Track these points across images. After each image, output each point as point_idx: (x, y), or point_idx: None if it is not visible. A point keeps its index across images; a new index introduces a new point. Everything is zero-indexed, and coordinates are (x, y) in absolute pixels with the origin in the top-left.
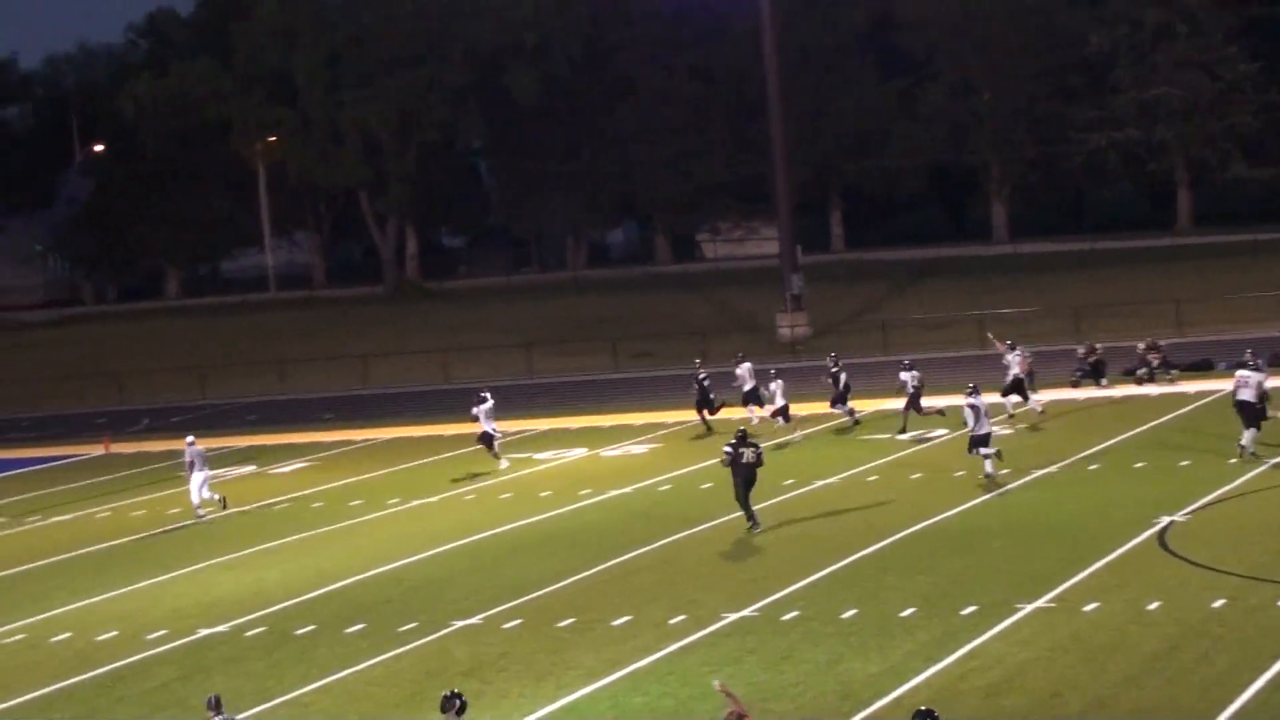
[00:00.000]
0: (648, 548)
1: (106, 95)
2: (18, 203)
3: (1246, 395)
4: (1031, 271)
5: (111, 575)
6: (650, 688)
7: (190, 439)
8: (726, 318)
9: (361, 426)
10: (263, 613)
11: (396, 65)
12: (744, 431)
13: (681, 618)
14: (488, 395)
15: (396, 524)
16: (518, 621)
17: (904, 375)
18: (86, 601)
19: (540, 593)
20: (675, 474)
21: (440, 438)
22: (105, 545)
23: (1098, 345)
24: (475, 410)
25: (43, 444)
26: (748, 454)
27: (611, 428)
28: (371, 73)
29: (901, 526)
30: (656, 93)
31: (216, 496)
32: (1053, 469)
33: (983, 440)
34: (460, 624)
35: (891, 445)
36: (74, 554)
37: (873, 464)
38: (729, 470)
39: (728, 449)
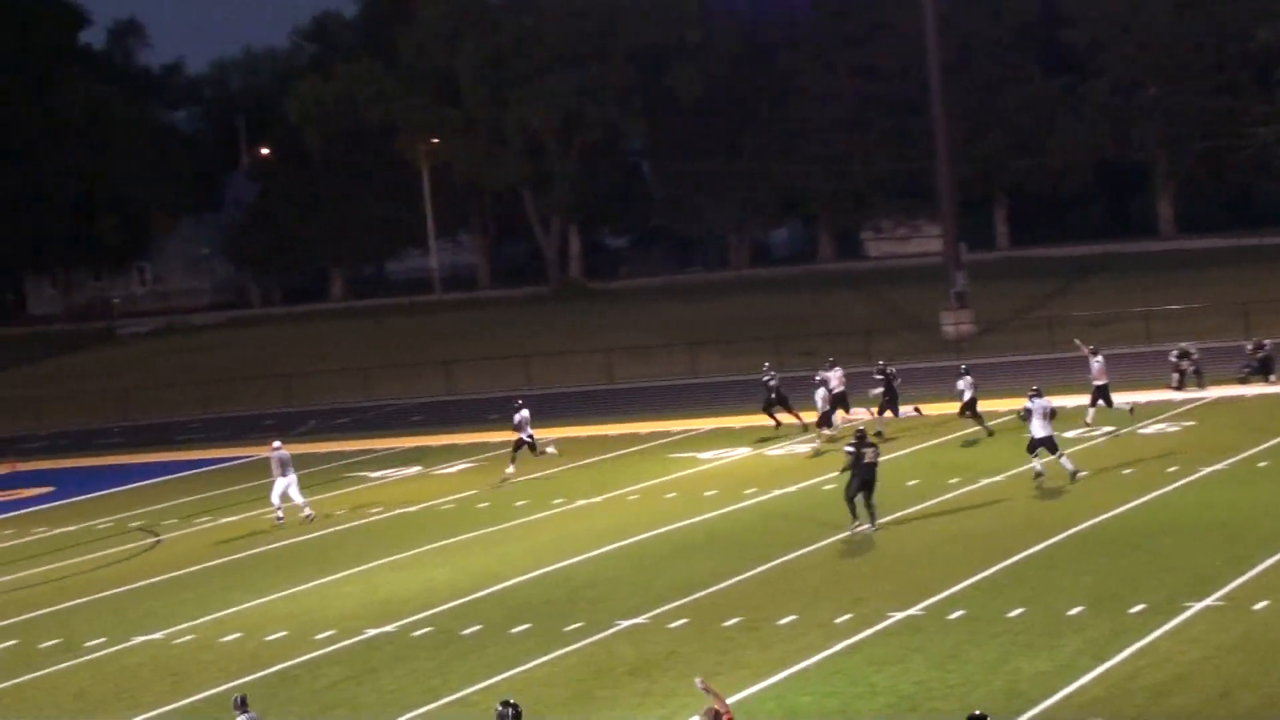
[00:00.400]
0: (813, 547)
1: (272, 99)
2: (186, 206)
3: None
4: (1198, 267)
5: (280, 576)
6: (816, 687)
7: (277, 444)
8: (890, 316)
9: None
10: (430, 612)
11: (560, 65)
12: (863, 432)
13: (847, 617)
14: (522, 403)
15: (561, 524)
16: (683, 621)
17: (960, 383)
18: (256, 602)
19: (705, 592)
20: (839, 474)
21: (604, 438)
22: (274, 546)
23: (1265, 341)
24: (516, 419)
25: (212, 446)
26: (868, 454)
27: (775, 426)
28: (535, 73)
29: (1068, 525)
30: (819, 90)
31: (303, 502)
32: (1220, 466)
33: (1045, 442)
34: (626, 624)
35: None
36: (243, 555)
37: (1039, 462)
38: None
39: (849, 448)
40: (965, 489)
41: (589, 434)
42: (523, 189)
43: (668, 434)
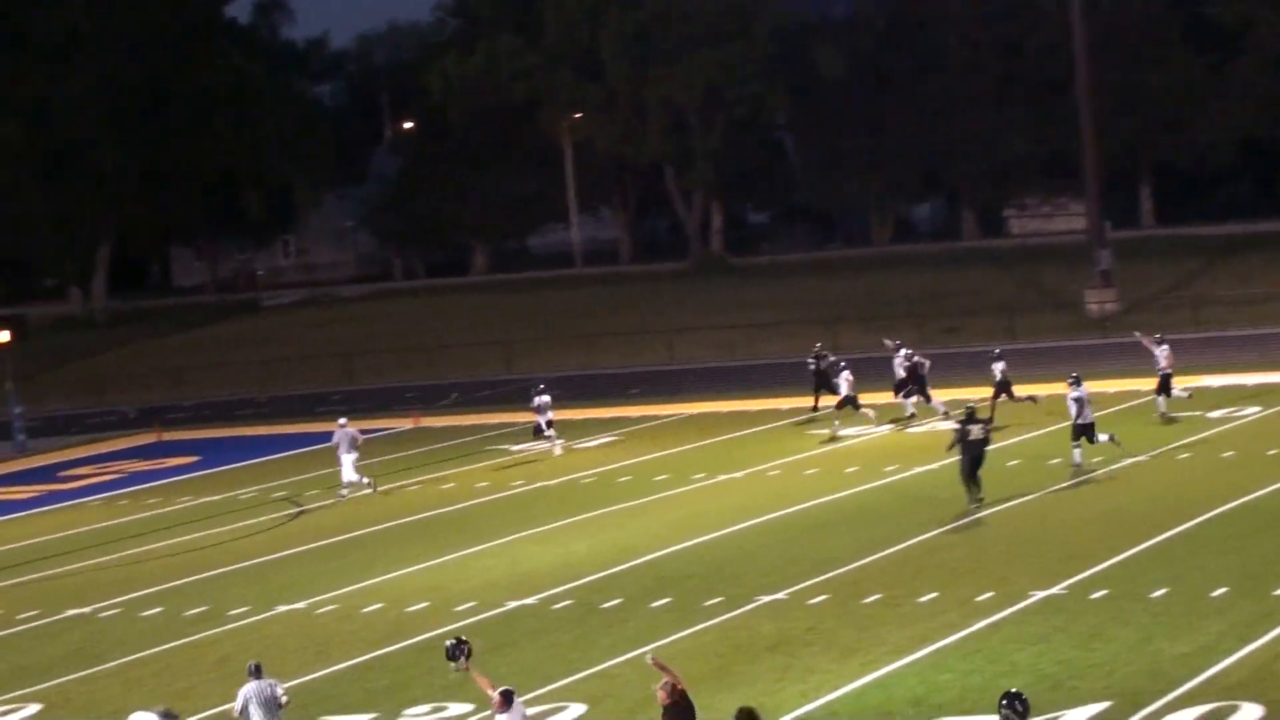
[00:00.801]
0: (954, 524)
1: (415, 73)
2: (330, 180)
3: None
4: None
5: (421, 548)
6: (957, 665)
7: (342, 421)
8: (1034, 294)
9: (666, 402)
10: (570, 585)
11: (703, 41)
12: (972, 409)
13: (989, 595)
14: (544, 387)
15: (702, 499)
16: (824, 597)
17: (995, 366)
18: (397, 573)
19: (846, 568)
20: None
21: (746, 413)
22: (415, 518)
23: None
24: (536, 401)
25: (355, 418)
26: (975, 431)
27: (917, 403)
28: (678, 49)
29: (1212, 505)
30: (962, 67)
31: (365, 480)
32: None
33: (1086, 430)
34: (766, 599)
35: (1201, 423)
36: (384, 527)
37: (1183, 441)
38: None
39: (956, 426)
40: (1108, 468)
41: (729, 409)
42: (665, 164)
43: (808, 410)
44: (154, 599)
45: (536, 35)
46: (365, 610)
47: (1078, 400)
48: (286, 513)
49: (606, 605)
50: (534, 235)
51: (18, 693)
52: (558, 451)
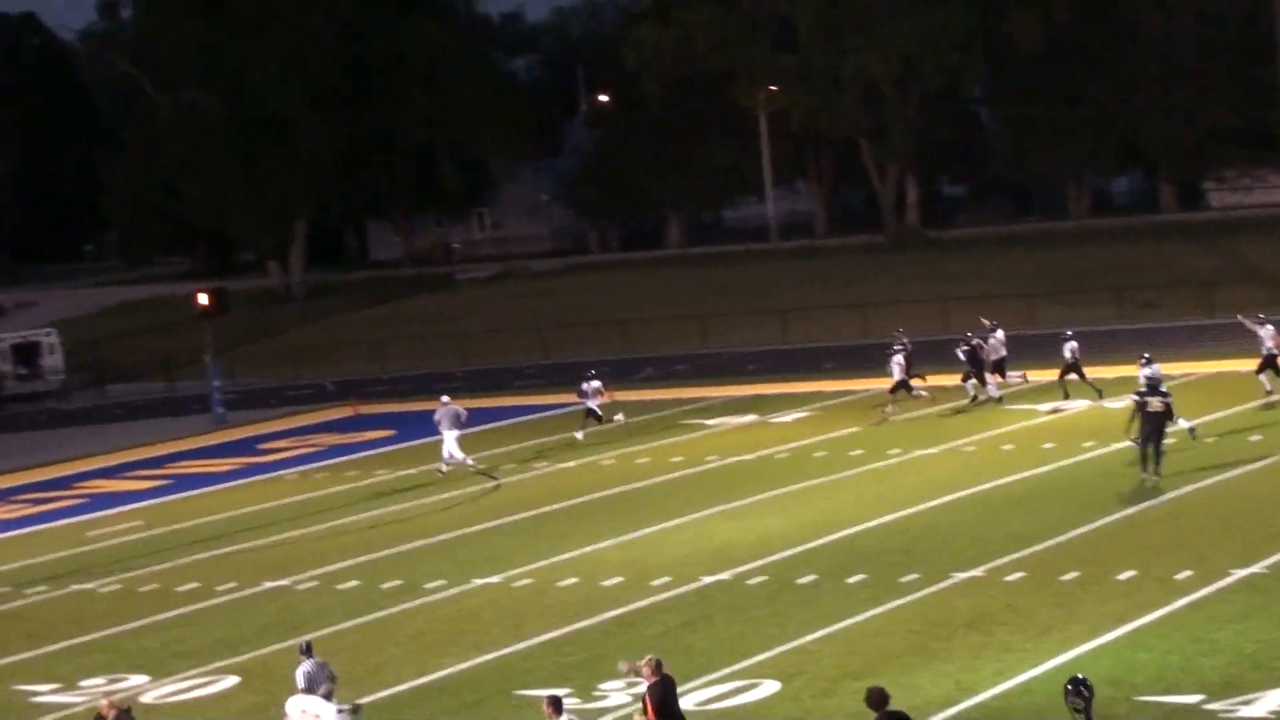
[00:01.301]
0: (1153, 501)
1: (611, 46)
2: (525, 153)
3: None
4: None
5: (616, 522)
6: (1155, 644)
7: (445, 399)
8: (1234, 268)
9: (862, 376)
10: (765, 561)
11: (899, 12)
12: (1156, 380)
13: (1188, 573)
14: (594, 373)
15: (897, 474)
16: (1020, 574)
17: (1066, 346)
18: (592, 547)
19: (1043, 545)
20: (1179, 427)
21: (941, 388)
22: (610, 492)
23: None
24: (584, 387)
25: (549, 391)
26: (1154, 403)
27: (1114, 379)
28: (873, 20)
29: None
30: (1160, 37)
31: (470, 460)
32: None
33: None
34: (962, 576)
35: None
36: (579, 500)
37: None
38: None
39: (1135, 397)
40: None
41: (925, 384)
42: (860, 137)
43: (1004, 385)
44: (350, 572)
45: (732, 6)
46: (560, 584)
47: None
48: (481, 486)
49: (801, 581)
50: (729, 208)
51: (216, 664)
52: (579, 436)
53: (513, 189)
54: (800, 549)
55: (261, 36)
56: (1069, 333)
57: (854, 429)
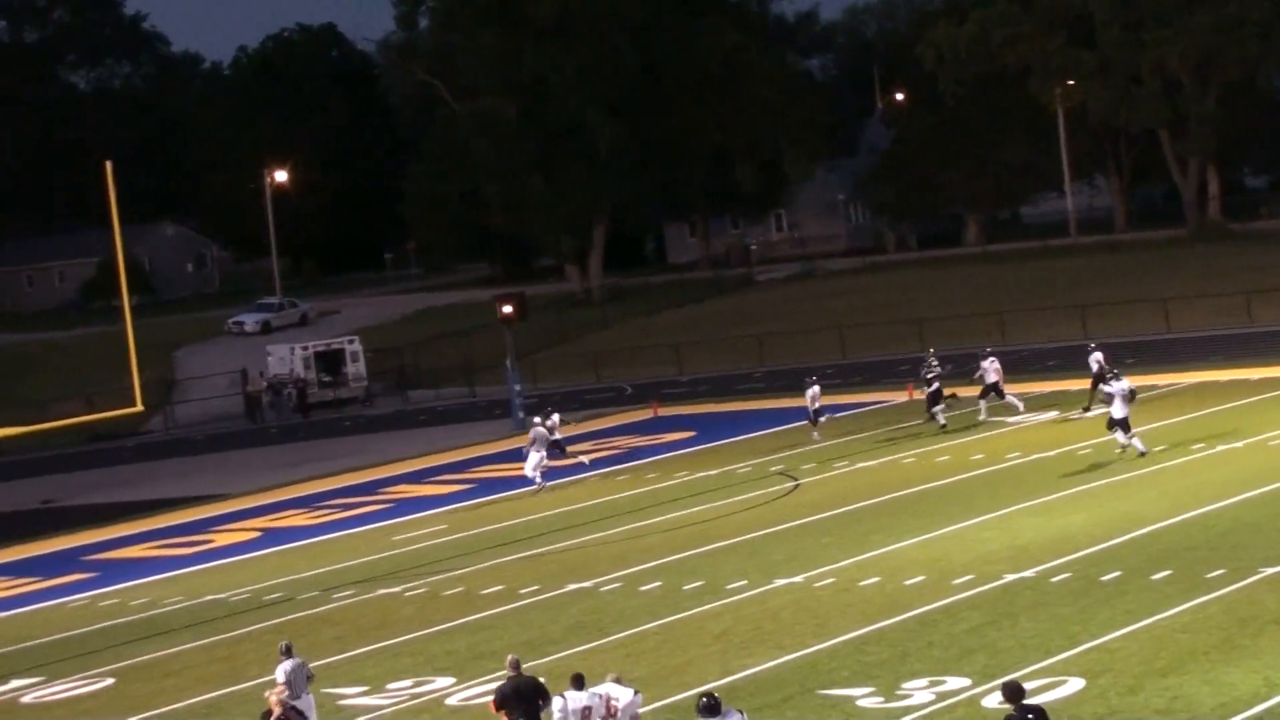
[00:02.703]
0: None
1: (906, 44)
2: (821, 153)
3: None
4: None
5: (917, 521)
6: None
7: (537, 419)
8: None
9: (1165, 371)
10: (1068, 558)
11: (1196, 2)
12: None
13: None
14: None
15: (1201, 469)
16: None
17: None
18: (894, 546)
19: None
20: None
21: (1245, 382)
22: (911, 491)
23: None
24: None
25: (848, 390)
26: None
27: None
28: (1172, 11)
29: None
30: None
31: (546, 484)
32: None
33: (1122, 423)
34: (1270, 571)
35: None
36: (879, 500)
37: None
38: None
39: None
40: None
41: (1228, 378)
42: (1160, 130)
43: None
44: (653, 573)
45: (1028, 2)
46: (862, 583)
47: (1117, 394)
48: (782, 487)
49: (1106, 578)
50: (1027, 205)
51: (529, 664)
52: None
53: (809, 189)
54: (1104, 546)
55: (559, 43)
56: (1093, 345)
57: (1157, 424)
